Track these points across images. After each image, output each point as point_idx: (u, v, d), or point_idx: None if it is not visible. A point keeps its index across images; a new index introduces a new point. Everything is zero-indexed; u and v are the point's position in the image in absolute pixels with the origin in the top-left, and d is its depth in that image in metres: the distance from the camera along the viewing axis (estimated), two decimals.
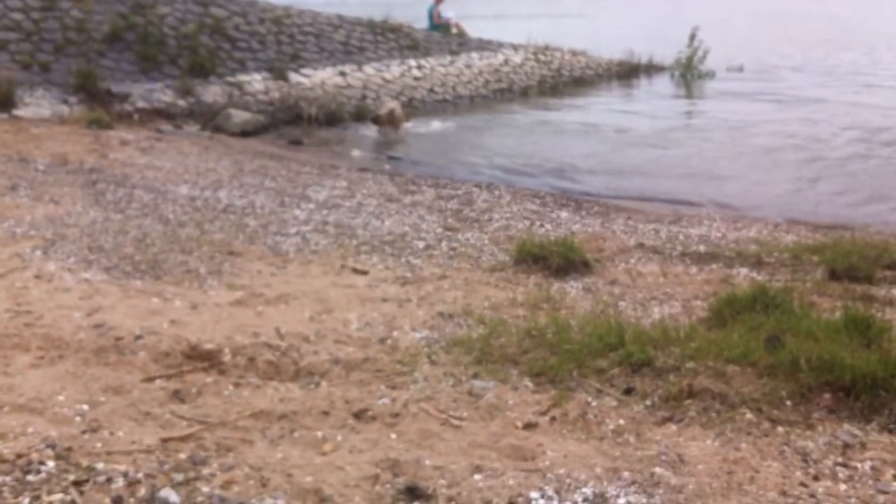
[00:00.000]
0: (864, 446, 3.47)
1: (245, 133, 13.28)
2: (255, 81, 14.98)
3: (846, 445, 3.47)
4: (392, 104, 15.04)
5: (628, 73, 22.22)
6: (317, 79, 15.78)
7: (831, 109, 16.27)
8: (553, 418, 3.80)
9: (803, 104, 17.06)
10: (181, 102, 13.89)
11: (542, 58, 20.99)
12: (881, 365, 3.75)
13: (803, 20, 48.42)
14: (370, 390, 4.08)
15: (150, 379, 4.11)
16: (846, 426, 3.61)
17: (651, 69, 22.63)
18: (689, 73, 21.60)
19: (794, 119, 15.35)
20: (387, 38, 18.27)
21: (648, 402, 3.89)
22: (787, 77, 21.61)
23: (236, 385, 4.11)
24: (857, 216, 8.90)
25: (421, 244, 7.08)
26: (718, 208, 9.18)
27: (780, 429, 3.61)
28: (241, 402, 3.89)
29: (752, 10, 61.22)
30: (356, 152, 12.67)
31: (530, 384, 4.15)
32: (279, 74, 15.30)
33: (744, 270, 6.33)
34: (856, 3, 70.22)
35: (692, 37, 21.27)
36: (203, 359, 4.38)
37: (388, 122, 14.52)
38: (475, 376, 4.23)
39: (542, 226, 7.95)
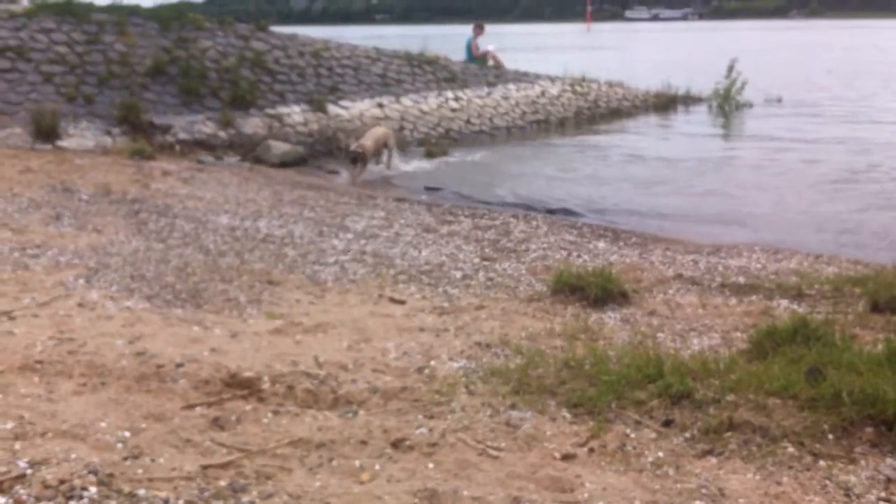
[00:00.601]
0: None
1: (284, 164, 13.44)
2: (295, 113, 15.18)
3: (889, 480, 3.41)
4: (377, 132, 13.56)
5: (665, 104, 22.23)
6: (355, 110, 15.96)
7: (871, 143, 16.12)
8: (591, 450, 3.78)
9: (842, 137, 16.91)
10: (222, 134, 14.11)
11: (578, 89, 21.06)
12: None
13: (844, 51, 48.15)
14: (408, 420, 4.08)
15: (191, 406, 4.15)
16: (889, 460, 3.56)
17: (688, 100, 22.63)
18: (727, 105, 21.52)
19: (832, 151, 15.22)
20: (424, 70, 18.45)
21: (688, 435, 3.86)
22: (826, 109, 21.47)
23: (275, 413, 4.14)
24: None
25: (458, 274, 7.10)
26: (758, 239, 9.08)
27: (821, 463, 3.56)
28: (279, 431, 3.92)
29: (790, 43, 61.16)
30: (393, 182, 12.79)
31: (568, 415, 4.13)
32: (318, 106, 15.50)
33: (784, 302, 6.25)
34: None
35: (730, 68, 21.21)
36: (242, 387, 4.42)
37: (367, 158, 12.82)
38: (513, 407, 4.22)
39: (579, 256, 7.94)
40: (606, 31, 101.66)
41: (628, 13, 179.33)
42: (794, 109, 21.17)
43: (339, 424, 4.02)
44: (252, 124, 14.52)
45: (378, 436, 3.89)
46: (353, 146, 12.98)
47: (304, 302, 6.17)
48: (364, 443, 3.82)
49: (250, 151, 13.77)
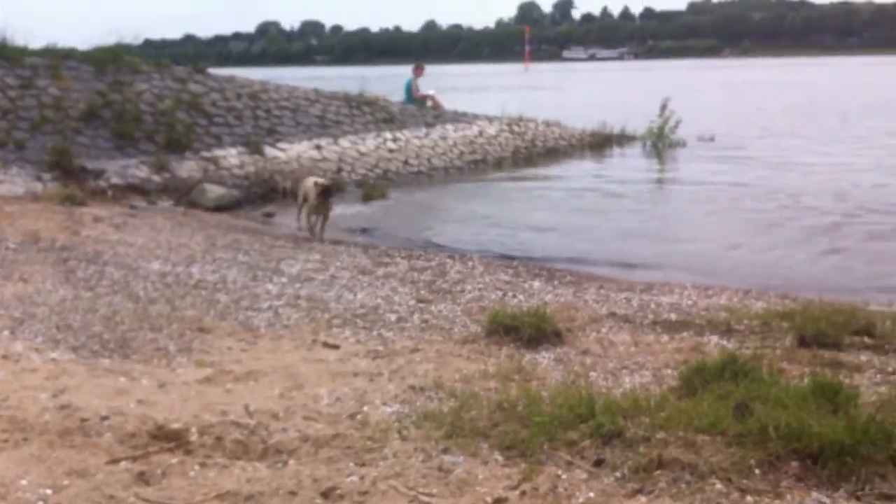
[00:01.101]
0: None
1: (219, 208, 13.33)
2: (231, 156, 15.09)
3: None
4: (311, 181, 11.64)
5: (601, 143, 22.61)
6: (292, 152, 15.93)
7: (801, 180, 16.57)
8: (523, 492, 3.76)
9: (772, 173, 17.39)
10: (156, 178, 13.95)
11: (516, 129, 21.31)
12: (848, 432, 3.75)
13: (775, 89, 49.54)
14: (339, 468, 4.03)
15: (115, 461, 4.04)
16: (814, 494, 3.60)
17: (623, 139, 23.05)
18: (660, 143, 21.98)
19: (762, 188, 15.60)
20: (362, 111, 18.52)
21: (619, 474, 3.86)
22: (757, 146, 22.04)
23: (203, 465, 4.05)
24: (824, 281, 8.96)
25: (393, 317, 7.07)
26: (689, 276, 9.23)
27: (749, 498, 3.59)
28: (206, 484, 3.84)
29: (724, 81, 62.73)
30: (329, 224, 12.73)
31: (500, 458, 4.11)
32: (255, 148, 15.44)
33: (714, 338, 6.33)
34: (828, 72, 72.06)
35: (663, 107, 21.71)
36: (169, 439, 4.32)
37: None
38: (445, 451, 4.19)
39: (514, 296, 7.97)
40: (545, 70, 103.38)
41: (566, 53, 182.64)
42: (726, 148, 21.68)
43: (268, 475, 3.96)
44: (187, 168, 14.39)
45: (308, 486, 3.83)
46: (316, 180, 11.74)
47: (235, 349, 6.08)
48: (293, 493, 3.76)
49: (185, 195, 13.64)
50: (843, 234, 11.68)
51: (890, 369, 5.41)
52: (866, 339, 6.11)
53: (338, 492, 3.77)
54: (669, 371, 5.47)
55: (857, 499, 3.56)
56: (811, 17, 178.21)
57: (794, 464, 3.78)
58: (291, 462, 4.12)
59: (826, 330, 6.01)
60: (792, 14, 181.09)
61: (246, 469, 4.02)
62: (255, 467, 4.06)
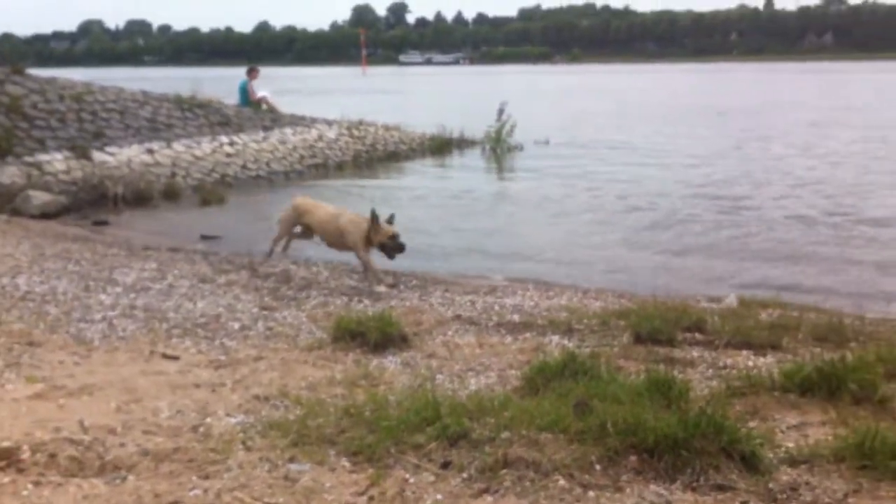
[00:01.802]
0: None
1: (46, 215, 12.69)
2: (56, 161, 14.37)
3: None
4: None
5: (441, 147, 22.87)
6: (123, 157, 15.32)
7: (634, 179, 17.34)
8: (371, 498, 3.76)
9: (606, 175, 18.08)
10: None
11: (356, 133, 21.28)
12: (681, 426, 3.92)
13: (603, 94, 51.53)
14: (181, 482, 3.91)
15: None
16: (652, 487, 3.75)
17: (463, 143, 23.41)
18: (498, 147, 22.44)
19: (595, 189, 16.24)
20: (196, 113, 18.03)
21: (465, 475, 3.91)
22: (590, 149, 22.92)
23: (36, 484, 3.83)
24: (659, 280, 9.39)
25: (236, 325, 6.91)
26: (532, 277, 9.48)
27: (591, 493, 3.71)
28: (41, 503, 3.65)
29: (555, 86, 64.73)
30: (166, 231, 12.33)
31: (348, 464, 4.09)
32: (82, 153, 14.76)
33: (555, 338, 6.51)
34: (657, 79, 75.55)
35: (500, 112, 22.19)
36: (0, 458, 4.07)
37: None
38: (291, 460, 4.13)
39: (360, 301, 7.95)
40: (383, 74, 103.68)
41: (402, 57, 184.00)
42: (561, 150, 22.43)
43: (105, 492, 3.80)
44: (9, 174, 13.61)
45: (148, 501, 3.71)
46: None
47: (68, 363, 5.79)
48: None
49: (8, 203, 12.92)
50: (677, 233, 12.30)
51: (720, 364, 5.71)
52: (697, 335, 6.44)
53: None
54: (513, 371, 5.59)
55: (693, 490, 3.72)
56: (635, 24, 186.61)
57: (633, 458, 3.92)
58: (131, 477, 3.97)
59: (660, 327, 6.28)
60: (617, 21, 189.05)
61: (82, 486, 3.85)
62: (92, 484, 3.89)
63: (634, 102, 43.44)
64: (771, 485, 3.74)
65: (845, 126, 28.31)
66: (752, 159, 20.41)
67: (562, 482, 3.79)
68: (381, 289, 8.49)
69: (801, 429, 4.40)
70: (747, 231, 12.19)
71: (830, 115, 32.75)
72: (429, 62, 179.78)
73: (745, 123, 30.14)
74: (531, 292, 8.39)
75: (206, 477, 3.97)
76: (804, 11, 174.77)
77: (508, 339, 6.56)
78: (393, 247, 8.63)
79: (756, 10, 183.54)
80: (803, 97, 45.73)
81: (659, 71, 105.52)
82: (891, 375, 5.04)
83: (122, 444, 4.32)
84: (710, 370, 5.56)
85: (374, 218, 8.66)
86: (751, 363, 5.69)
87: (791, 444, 4.17)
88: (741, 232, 12.15)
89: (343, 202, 15.35)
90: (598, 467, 3.89)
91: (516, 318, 7.26)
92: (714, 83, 68.79)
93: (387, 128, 22.70)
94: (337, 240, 9.01)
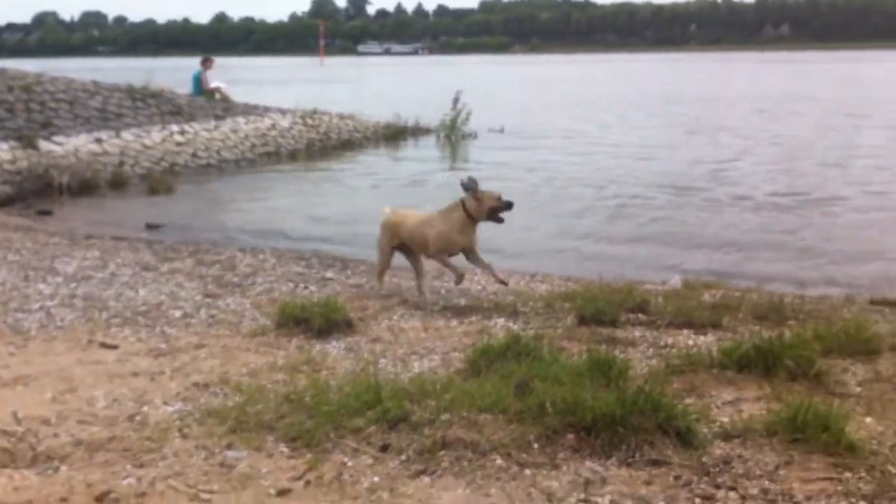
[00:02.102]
0: (604, 481, 3.62)
1: None
2: (2, 151, 14.10)
3: (588, 482, 3.61)
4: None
5: (395, 135, 22.83)
6: (70, 146, 15.07)
7: (586, 165, 17.43)
8: (308, 482, 3.72)
9: (558, 161, 18.16)
10: None
11: (309, 121, 21.14)
12: (619, 403, 3.93)
13: (560, 84, 51.74)
14: (114, 471, 3.85)
15: None
16: (588, 463, 3.76)
17: (418, 132, 23.38)
18: (453, 135, 22.45)
19: (548, 174, 16.28)
20: (147, 103, 17.81)
21: (404, 457, 3.89)
22: (543, 136, 22.98)
23: None
24: (606, 263, 9.41)
25: (178, 313, 6.81)
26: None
27: (527, 471, 3.71)
28: None
29: (512, 76, 64.86)
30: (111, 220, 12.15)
31: (286, 450, 4.05)
32: (28, 143, 14.48)
33: (501, 321, 6.51)
34: (615, 69, 76.00)
35: (455, 100, 22.23)
36: None
37: None
38: (229, 447, 4.09)
39: (306, 287, 7.88)
40: (340, 64, 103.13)
41: (361, 47, 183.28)
42: (515, 138, 22.48)
43: (37, 483, 3.74)
44: None
45: (81, 491, 3.65)
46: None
47: (3, 353, 5.68)
48: (65, 500, 3.60)
49: None
50: (624, 216, 12.36)
51: (661, 343, 5.74)
52: (641, 316, 6.46)
53: (112, 495, 3.61)
54: (457, 354, 5.57)
55: (628, 465, 3.74)
56: (595, 17, 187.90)
57: (570, 436, 3.93)
58: (63, 468, 3.92)
59: (604, 308, 6.30)
60: (577, 13, 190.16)
61: (13, 477, 3.80)
62: (24, 475, 3.84)
63: (590, 92, 43.63)
64: (704, 459, 3.77)
65: (797, 114, 28.67)
66: (704, 147, 20.57)
67: (499, 461, 3.79)
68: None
69: (737, 404, 4.43)
70: (697, 218, 12.26)
71: (783, 104, 33.12)
72: (387, 52, 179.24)
73: (699, 112, 30.41)
74: (478, 276, 8.36)
75: (141, 466, 3.93)
76: (762, 3, 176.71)
77: (454, 322, 6.54)
78: (504, 207, 7.03)
79: (715, 1, 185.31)
80: (758, 87, 46.24)
81: (617, 61, 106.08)
82: (827, 352, 5.10)
83: (56, 435, 4.27)
84: (651, 349, 5.59)
85: (469, 187, 6.99)
86: (691, 342, 5.73)
87: (726, 420, 4.21)
88: (691, 219, 12.22)
89: (292, 187, 15.32)
90: (535, 446, 3.89)
91: (462, 301, 7.24)
92: (672, 73, 69.33)
93: (341, 116, 22.58)
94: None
